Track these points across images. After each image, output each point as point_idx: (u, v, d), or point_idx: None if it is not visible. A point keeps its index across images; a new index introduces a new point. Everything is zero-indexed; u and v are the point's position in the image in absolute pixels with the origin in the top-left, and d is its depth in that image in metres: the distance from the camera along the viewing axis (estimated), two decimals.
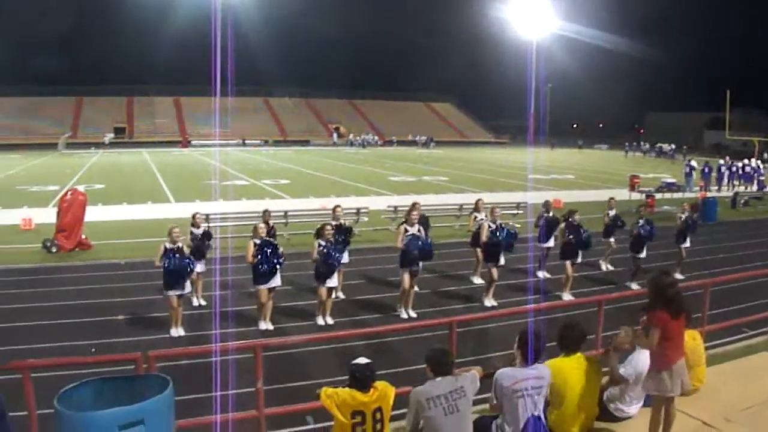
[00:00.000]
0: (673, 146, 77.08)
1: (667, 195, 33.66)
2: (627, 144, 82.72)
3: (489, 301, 14.58)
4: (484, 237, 14.84)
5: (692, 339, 7.95)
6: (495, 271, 14.60)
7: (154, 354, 6.29)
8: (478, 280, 16.46)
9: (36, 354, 10.39)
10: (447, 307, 14.35)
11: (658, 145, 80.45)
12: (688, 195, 33.45)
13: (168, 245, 12.36)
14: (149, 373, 5.97)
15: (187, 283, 12.51)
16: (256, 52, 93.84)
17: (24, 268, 17.76)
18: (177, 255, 12.24)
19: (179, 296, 12.38)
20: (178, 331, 12.45)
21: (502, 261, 14.86)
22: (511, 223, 16.23)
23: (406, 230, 13.86)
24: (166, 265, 12.10)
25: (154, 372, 6.02)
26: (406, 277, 13.67)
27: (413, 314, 13.77)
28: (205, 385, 8.18)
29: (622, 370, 7.15)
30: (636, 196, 32.22)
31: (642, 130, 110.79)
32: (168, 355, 8.55)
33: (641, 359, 7.12)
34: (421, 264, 13.96)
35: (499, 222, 14.96)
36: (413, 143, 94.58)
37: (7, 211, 27.62)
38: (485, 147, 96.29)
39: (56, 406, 5.15)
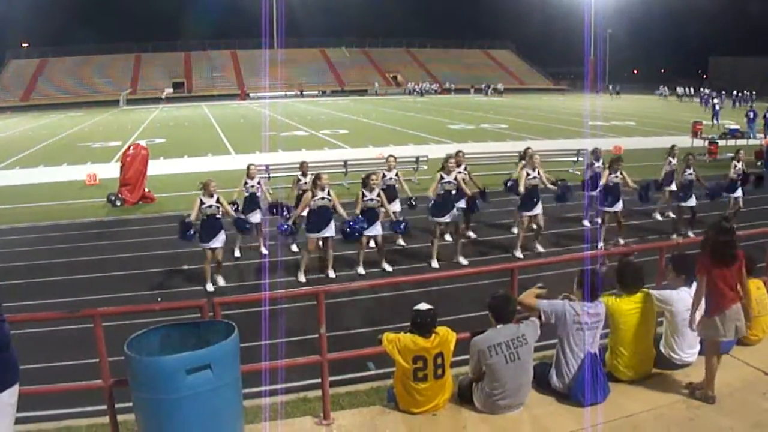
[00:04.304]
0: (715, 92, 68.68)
1: (731, 142, 32.60)
2: (706, 92, 70.81)
3: (526, 251, 14.29)
4: (521, 187, 14.19)
5: (756, 288, 7.79)
6: (527, 221, 14.20)
7: (219, 301, 6.37)
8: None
9: (105, 304, 10.60)
10: (499, 256, 14.27)
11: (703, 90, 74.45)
12: (752, 142, 32.36)
13: (203, 198, 12.24)
14: (215, 320, 6.07)
15: (221, 235, 12.32)
16: (311, 3, 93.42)
17: (90, 222, 18.26)
18: (212, 208, 12.17)
19: (212, 249, 12.23)
20: (210, 286, 12.31)
21: (538, 209, 14.22)
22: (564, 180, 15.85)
23: (441, 177, 13.56)
24: (204, 219, 12.06)
25: (219, 319, 6.11)
26: (438, 229, 13.59)
27: (464, 261, 13.65)
28: (267, 332, 8.33)
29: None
30: (699, 143, 31.34)
31: (706, 76, 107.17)
32: (234, 302, 8.66)
33: (680, 299, 7.04)
34: (453, 216, 13.73)
35: (537, 170, 14.35)
36: (467, 91, 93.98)
37: (72, 167, 28.33)
38: (544, 94, 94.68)
39: (126, 351, 5.27)
